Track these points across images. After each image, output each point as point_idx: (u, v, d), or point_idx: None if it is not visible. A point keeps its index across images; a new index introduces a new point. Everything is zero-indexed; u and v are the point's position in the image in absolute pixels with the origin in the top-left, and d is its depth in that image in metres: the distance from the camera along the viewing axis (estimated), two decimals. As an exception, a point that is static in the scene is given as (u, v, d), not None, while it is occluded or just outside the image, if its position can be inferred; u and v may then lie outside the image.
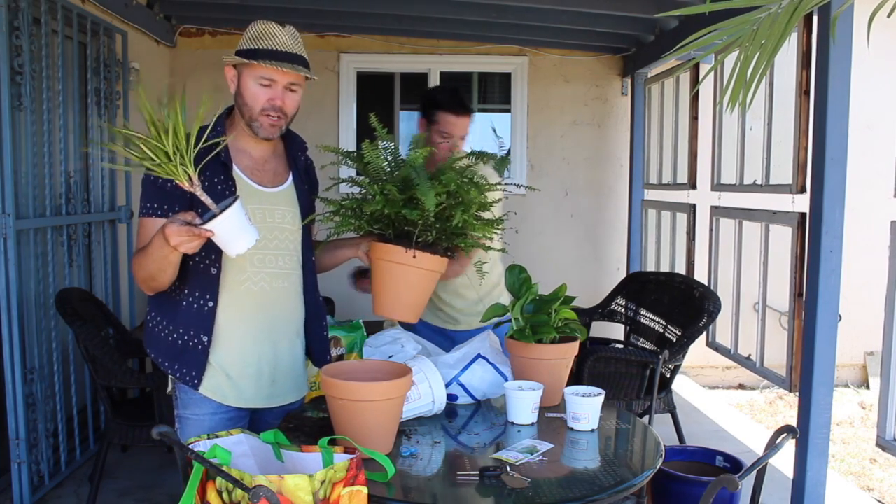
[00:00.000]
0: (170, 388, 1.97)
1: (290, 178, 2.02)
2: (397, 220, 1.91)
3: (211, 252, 1.85)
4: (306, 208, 2.04)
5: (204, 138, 1.70)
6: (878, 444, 2.80)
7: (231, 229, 1.64)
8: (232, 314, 1.90)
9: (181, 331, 1.89)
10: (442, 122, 2.61)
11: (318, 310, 2.11)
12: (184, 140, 1.62)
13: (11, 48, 2.90)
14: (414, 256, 1.90)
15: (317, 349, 2.12)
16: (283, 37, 1.86)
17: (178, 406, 1.94)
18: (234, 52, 1.89)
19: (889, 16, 1.11)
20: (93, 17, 3.59)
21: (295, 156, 2.05)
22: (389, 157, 2.00)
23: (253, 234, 1.68)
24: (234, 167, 1.92)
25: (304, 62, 1.89)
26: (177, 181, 1.65)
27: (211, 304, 1.88)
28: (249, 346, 1.93)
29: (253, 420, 2.00)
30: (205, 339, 1.88)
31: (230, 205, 1.64)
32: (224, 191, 1.86)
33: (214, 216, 1.62)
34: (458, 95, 2.67)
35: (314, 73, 1.92)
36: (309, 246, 2.06)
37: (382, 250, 1.94)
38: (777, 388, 5.27)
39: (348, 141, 5.37)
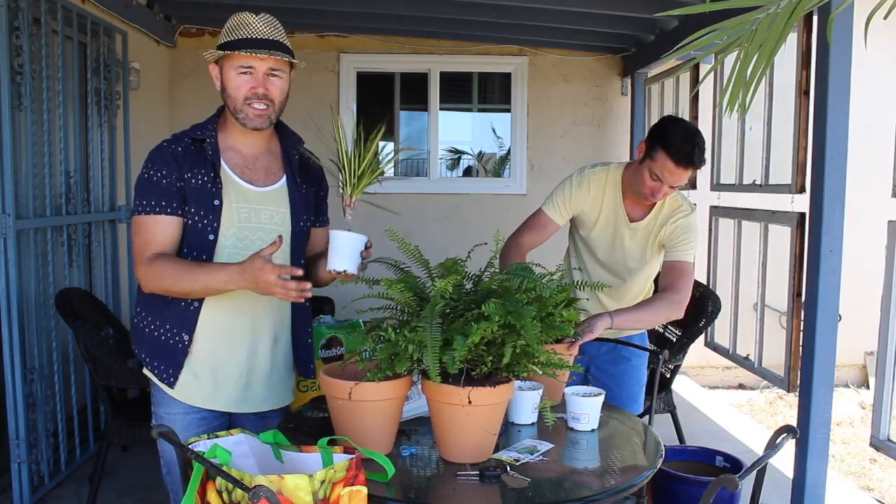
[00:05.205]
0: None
1: (285, 177, 1.98)
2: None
3: (203, 252, 1.87)
4: (301, 207, 1.99)
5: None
6: (871, 444, 2.80)
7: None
8: (213, 314, 1.90)
9: (168, 326, 1.90)
10: (659, 162, 2.30)
11: (303, 314, 2.06)
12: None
13: (11, 48, 2.90)
14: (469, 402, 1.61)
15: (301, 356, 2.08)
16: (258, 24, 1.83)
17: (153, 403, 1.96)
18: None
19: (885, 18, 1.11)
20: (93, 17, 3.59)
21: (289, 153, 2.00)
22: (416, 291, 1.75)
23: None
24: (224, 165, 1.90)
25: (283, 47, 1.86)
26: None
27: (196, 303, 1.89)
28: (225, 348, 1.92)
29: (231, 425, 1.98)
30: (186, 337, 1.89)
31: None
32: (211, 189, 1.86)
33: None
34: (691, 144, 2.28)
35: (299, 61, 1.90)
36: (300, 249, 2.00)
37: (433, 391, 1.67)
38: (777, 388, 5.27)
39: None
